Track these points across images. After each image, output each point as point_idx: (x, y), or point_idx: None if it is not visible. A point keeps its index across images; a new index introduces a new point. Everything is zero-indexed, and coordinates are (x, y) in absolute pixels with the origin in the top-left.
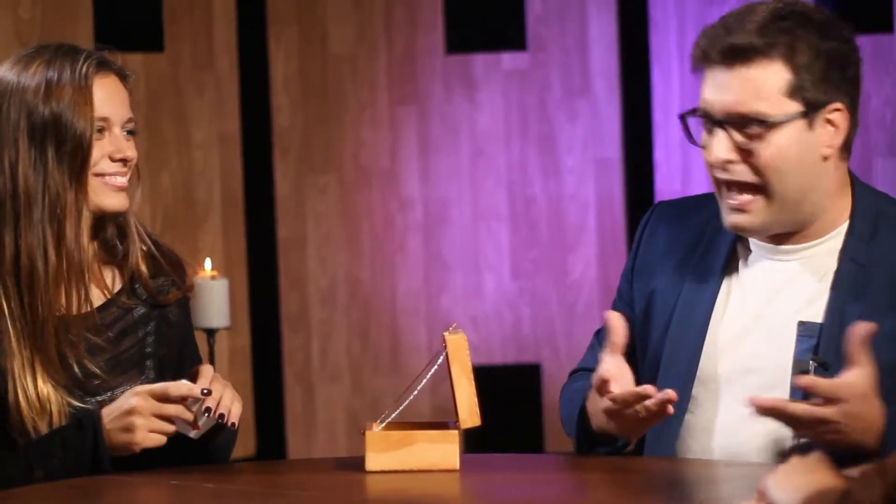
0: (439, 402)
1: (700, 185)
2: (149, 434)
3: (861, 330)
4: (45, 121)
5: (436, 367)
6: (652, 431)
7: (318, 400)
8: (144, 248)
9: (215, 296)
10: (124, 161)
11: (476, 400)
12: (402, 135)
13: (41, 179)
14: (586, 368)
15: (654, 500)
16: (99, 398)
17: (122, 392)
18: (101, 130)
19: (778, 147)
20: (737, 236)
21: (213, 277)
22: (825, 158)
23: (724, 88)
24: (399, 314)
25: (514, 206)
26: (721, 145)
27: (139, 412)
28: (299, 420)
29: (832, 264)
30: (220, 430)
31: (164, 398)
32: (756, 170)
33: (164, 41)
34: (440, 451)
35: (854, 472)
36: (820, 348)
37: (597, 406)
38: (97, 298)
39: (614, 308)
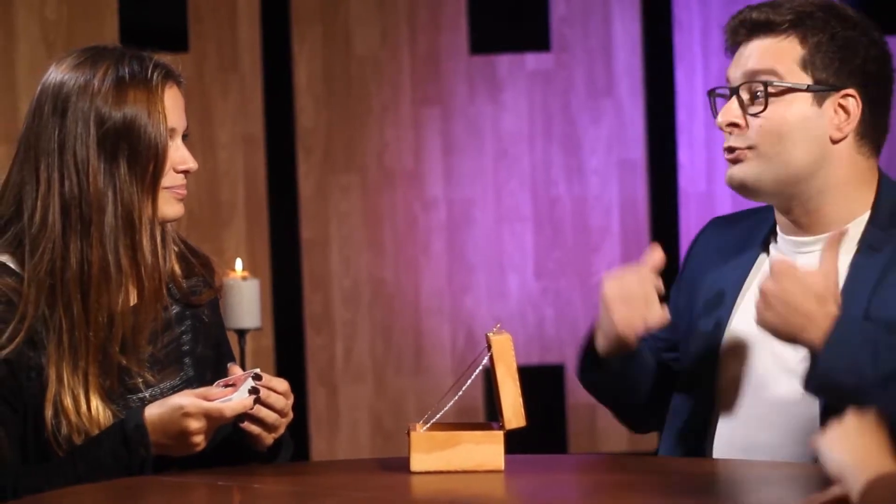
0: (462, 402)
1: (723, 186)
2: (206, 438)
3: (835, 235)
4: (118, 128)
5: (480, 367)
6: (673, 422)
7: (342, 400)
8: (177, 249)
9: (246, 296)
10: (186, 172)
11: (521, 401)
12: (426, 135)
13: (111, 188)
14: None
15: (698, 501)
16: (140, 395)
17: (161, 390)
18: (169, 139)
19: (780, 112)
20: (769, 232)
21: (244, 278)
22: (834, 141)
23: (744, 58)
24: (422, 315)
25: (538, 206)
26: (730, 108)
27: (199, 432)
28: (322, 420)
29: (852, 252)
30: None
31: (219, 418)
32: (753, 133)
33: (189, 42)
34: (485, 451)
35: None
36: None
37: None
38: (132, 298)
39: None
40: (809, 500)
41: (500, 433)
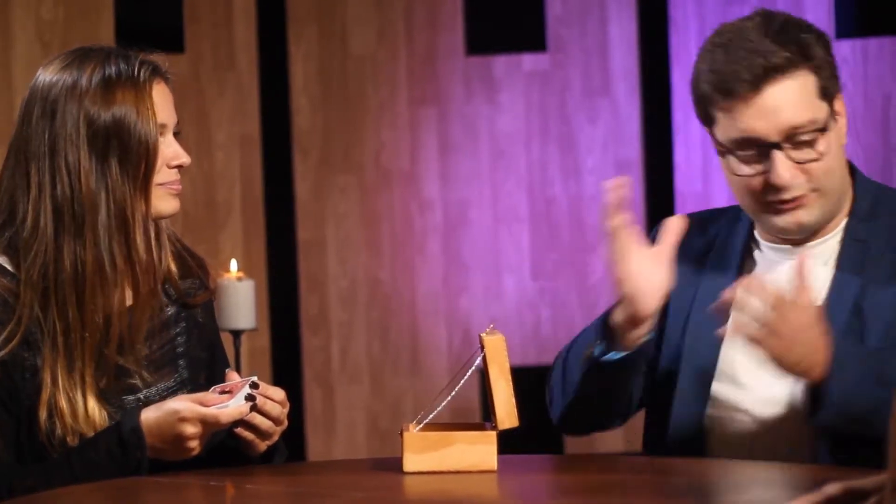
0: (457, 403)
1: (720, 186)
2: (201, 444)
3: (805, 257)
4: (108, 127)
5: (473, 368)
6: (675, 431)
7: (338, 401)
8: (173, 249)
9: (241, 297)
10: (180, 167)
11: (514, 401)
12: (423, 136)
13: (104, 187)
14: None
15: (691, 502)
16: (135, 396)
17: (157, 390)
18: (160, 135)
19: (828, 149)
20: (748, 238)
21: (239, 279)
22: (842, 147)
23: (771, 111)
24: (419, 315)
25: (535, 207)
26: (785, 167)
27: (195, 437)
28: (319, 421)
29: (837, 249)
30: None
31: (215, 424)
32: (813, 178)
33: (185, 42)
34: (478, 452)
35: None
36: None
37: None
38: (129, 298)
39: None
40: (804, 499)
41: (493, 433)
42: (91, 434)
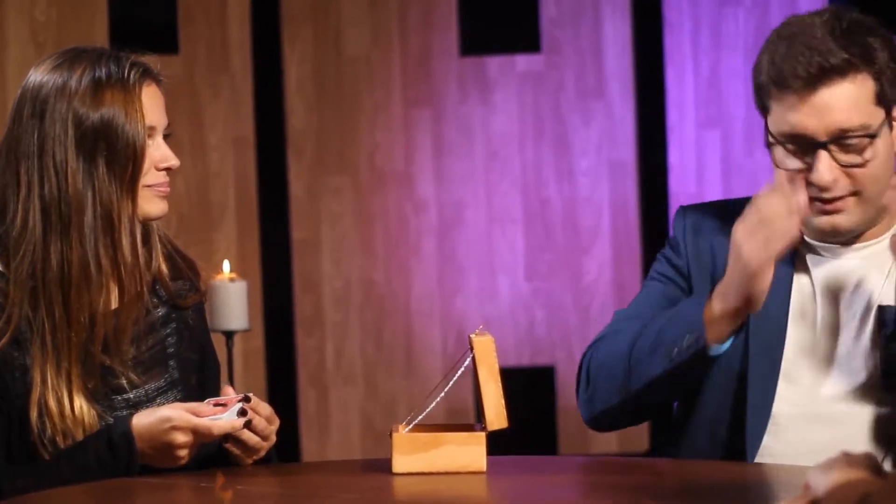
0: (451, 404)
1: (713, 187)
2: (190, 453)
3: None
4: (96, 128)
5: (462, 369)
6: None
7: (333, 402)
8: (164, 250)
9: (234, 298)
10: (168, 169)
11: (503, 402)
12: (417, 137)
13: (90, 188)
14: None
15: (684, 503)
16: (124, 396)
17: (146, 391)
18: (148, 137)
19: (877, 156)
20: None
21: (231, 280)
22: (892, 154)
23: (823, 110)
24: (413, 316)
25: (529, 208)
26: (828, 167)
27: (185, 446)
28: (313, 422)
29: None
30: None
31: (207, 435)
32: (857, 182)
33: (179, 43)
34: (467, 453)
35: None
36: None
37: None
38: (115, 300)
39: (654, 289)
40: (795, 500)
41: (482, 434)
42: (80, 434)
